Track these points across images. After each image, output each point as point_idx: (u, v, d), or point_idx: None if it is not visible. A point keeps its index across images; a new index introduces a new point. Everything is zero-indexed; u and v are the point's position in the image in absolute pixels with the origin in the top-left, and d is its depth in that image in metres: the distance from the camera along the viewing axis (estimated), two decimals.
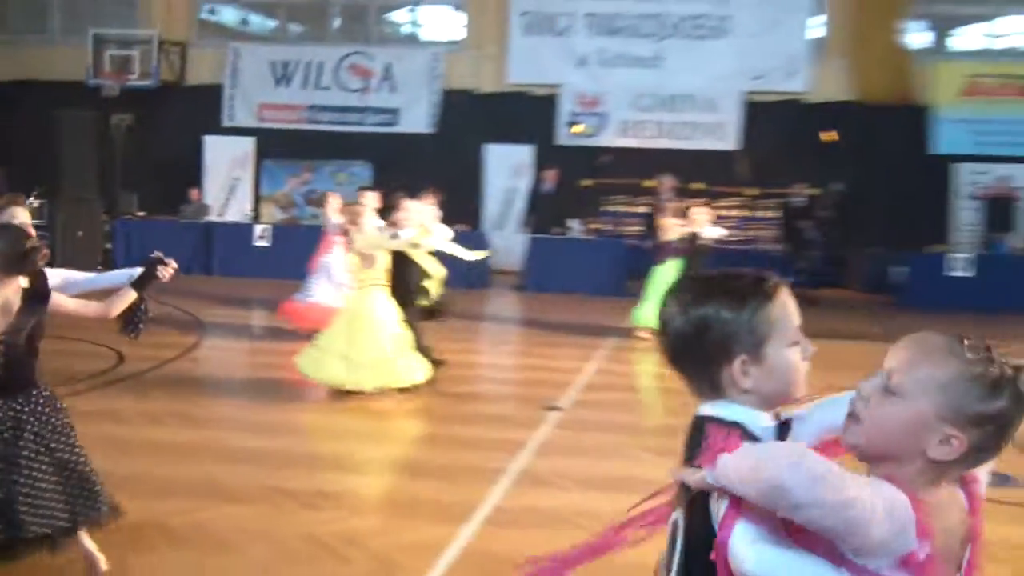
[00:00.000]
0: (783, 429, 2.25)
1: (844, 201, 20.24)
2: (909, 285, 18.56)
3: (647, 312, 13.37)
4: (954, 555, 2.02)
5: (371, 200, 10.71)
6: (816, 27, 21.78)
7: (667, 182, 19.09)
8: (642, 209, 20.14)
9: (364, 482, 7.32)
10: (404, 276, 9.77)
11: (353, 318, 9.50)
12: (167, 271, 5.11)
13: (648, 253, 15.60)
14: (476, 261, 10.13)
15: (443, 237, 11.09)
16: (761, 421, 2.21)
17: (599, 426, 8.93)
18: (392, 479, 7.30)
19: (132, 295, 5.03)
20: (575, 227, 19.79)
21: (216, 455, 7.48)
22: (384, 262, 9.59)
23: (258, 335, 12.86)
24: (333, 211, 12.92)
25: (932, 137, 21.28)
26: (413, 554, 5.58)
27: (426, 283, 10.25)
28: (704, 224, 14.00)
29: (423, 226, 10.08)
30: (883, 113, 20.82)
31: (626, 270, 18.17)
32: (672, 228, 13.84)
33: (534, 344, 13.52)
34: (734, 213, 21.83)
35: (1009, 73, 21.49)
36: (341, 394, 9.32)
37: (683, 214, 14.13)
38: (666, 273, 13.46)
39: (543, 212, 19.50)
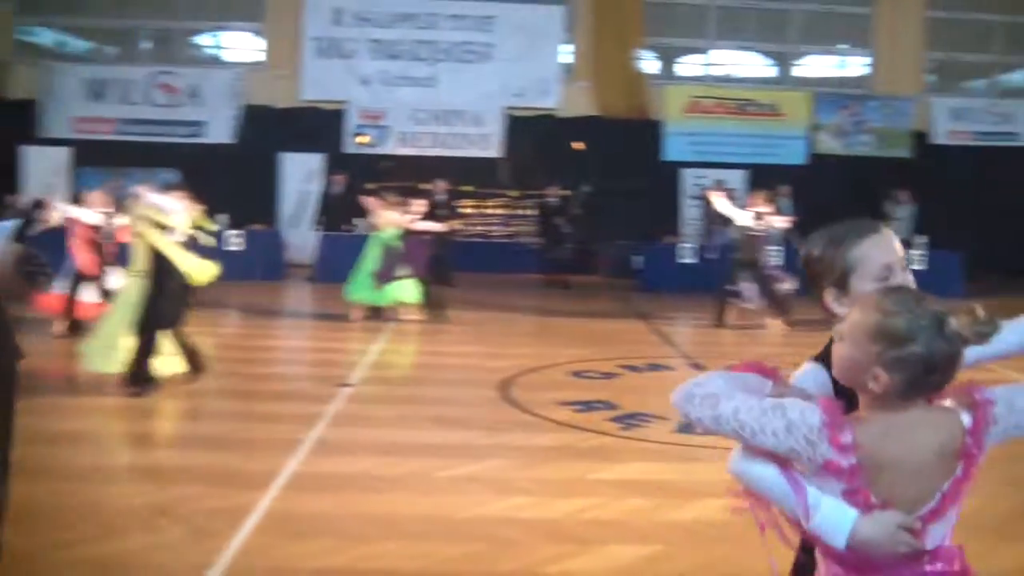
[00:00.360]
0: None
1: (592, 200, 20.70)
2: (647, 270, 19.12)
3: (361, 290, 13.43)
4: (932, 467, 2.12)
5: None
6: (565, 54, 22.19)
7: (441, 185, 19.20)
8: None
9: (172, 455, 7.09)
10: (167, 268, 8.95)
11: (118, 307, 8.89)
12: (50, 214, 4.44)
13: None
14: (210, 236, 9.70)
15: (185, 225, 10.57)
16: None
17: (385, 399, 8.91)
18: (198, 452, 7.07)
19: (19, 249, 4.31)
20: (361, 225, 19.63)
21: (38, 438, 7.15)
22: (146, 253, 8.81)
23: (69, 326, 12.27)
24: (88, 209, 12.02)
25: (663, 147, 21.97)
26: (220, 519, 5.43)
27: (186, 274, 9.50)
28: (419, 216, 13.95)
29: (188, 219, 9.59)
30: (622, 126, 21.40)
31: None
32: (388, 218, 13.72)
33: (326, 329, 13.37)
34: (499, 211, 22.15)
35: (722, 96, 22.40)
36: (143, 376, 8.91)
37: (403, 207, 14.00)
38: (368, 253, 13.50)
39: (333, 212, 19.29)
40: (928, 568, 2.16)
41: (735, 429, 2.16)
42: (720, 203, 14.66)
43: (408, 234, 13.71)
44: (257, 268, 18.07)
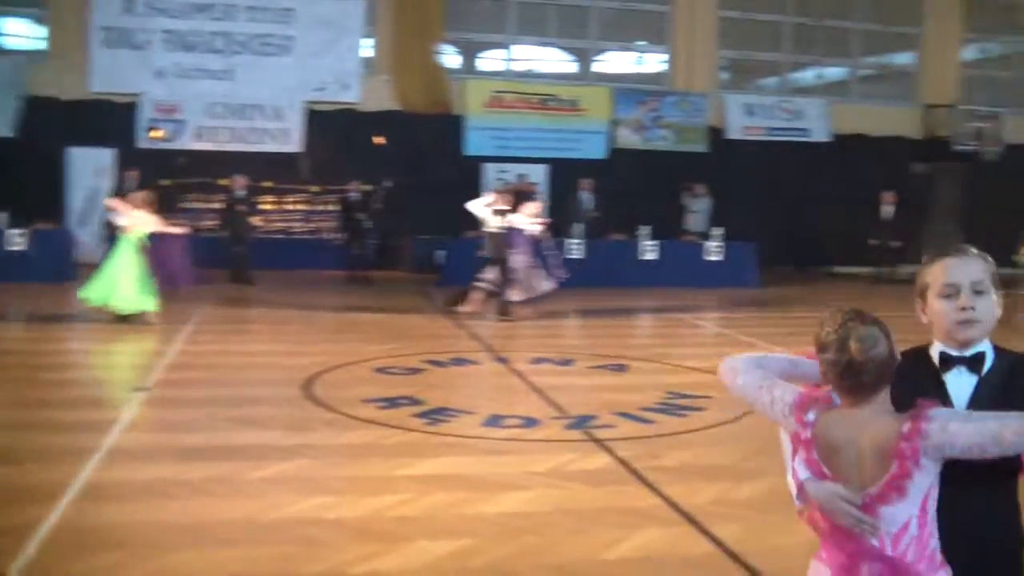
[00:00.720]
0: (945, 361, 2.71)
1: (393, 195, 20.65)
2: (450, 265, 19.17)
3: (101, 290, 13.02)
4: (872, 459, 2.52)
5: None
6: (366, 48, 22.07)
7: (240, 181, 18.86)
8: (217, 205, 19.82)
9: None
10: None
11: None
12: None
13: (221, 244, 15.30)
14: None
15: None
16: (937, 347, 2.73)
17: (183, 402, 8.64)
18: None
19: None
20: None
21: None
22: None
23: None
24: None
25: (465, 142, 22.11)
26: (6, 537, 5.12)
27: None
28: (140, 213, 13.61)
29: None
30: (424, 121, 21.45)
31: (204, 260, 17.86)
32: (136, 219, 13.31)
33: (120, 331, 12.87)
34: (300, 207, 21.89)
35: (523, 91, 22.72)
36: None
37: (150, 206, 13.57)
38: (122, 257, 13.11)
39: None
40: (871, 561, 2.55)
41: (741, 397, 2.81)
42: (472, 203, 14.86)
43: (154, 235, 13.37)
44: (43, 268, 17.31)
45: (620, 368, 10.71)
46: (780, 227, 22.27)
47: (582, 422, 7.99)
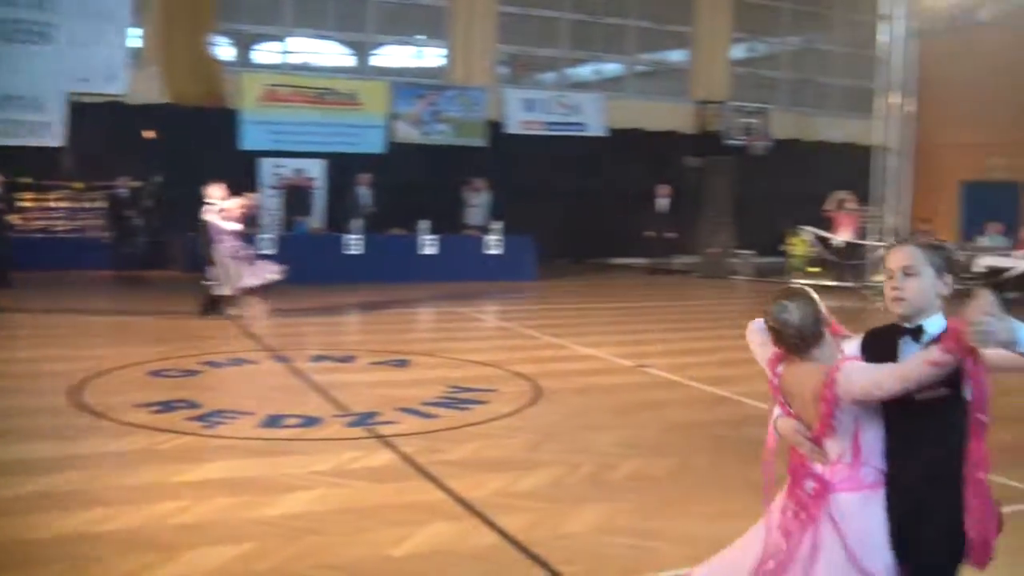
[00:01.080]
0: (896, 331, 3.21)
1: (164, 192, 20.07)
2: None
3: None
4: (811, 402, 3.20)
5: None
6: (134, 38, 21.32)
7: None
8: None
9: None
10: None
11: None
12: None
13: None
14: None
15: None
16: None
17: None
18: None
19: None
20: None
21: None
22: None
23: None
24: None
25: (240, 136, 21.67)
26: None
27: None
28: None
29: None
30: (197, 114, 20.90)
31: None
32: None
33: None
34: (63, 205, 20.99)
35: (299, 84, 22.44)
36: None
37: None
38: None
39: None
40: (809, 479, 3.28)
41: (753, 352, 3.56)
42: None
43: None
44: None
45: (402, 363, 10.74)
46: (559, 220, 22.75)
47: (364, 419, 7.98)
